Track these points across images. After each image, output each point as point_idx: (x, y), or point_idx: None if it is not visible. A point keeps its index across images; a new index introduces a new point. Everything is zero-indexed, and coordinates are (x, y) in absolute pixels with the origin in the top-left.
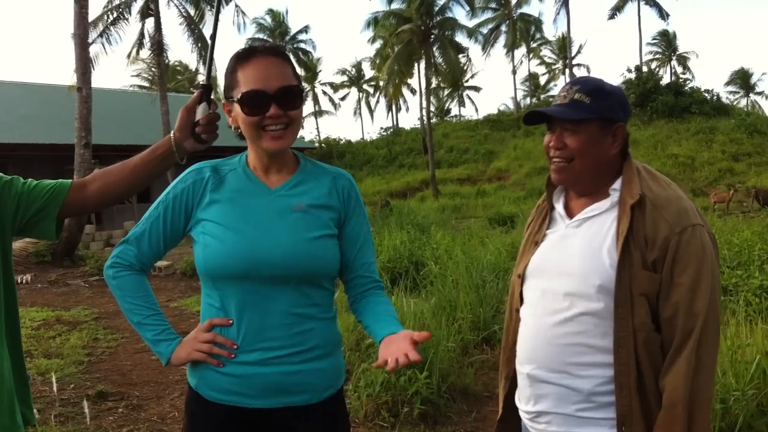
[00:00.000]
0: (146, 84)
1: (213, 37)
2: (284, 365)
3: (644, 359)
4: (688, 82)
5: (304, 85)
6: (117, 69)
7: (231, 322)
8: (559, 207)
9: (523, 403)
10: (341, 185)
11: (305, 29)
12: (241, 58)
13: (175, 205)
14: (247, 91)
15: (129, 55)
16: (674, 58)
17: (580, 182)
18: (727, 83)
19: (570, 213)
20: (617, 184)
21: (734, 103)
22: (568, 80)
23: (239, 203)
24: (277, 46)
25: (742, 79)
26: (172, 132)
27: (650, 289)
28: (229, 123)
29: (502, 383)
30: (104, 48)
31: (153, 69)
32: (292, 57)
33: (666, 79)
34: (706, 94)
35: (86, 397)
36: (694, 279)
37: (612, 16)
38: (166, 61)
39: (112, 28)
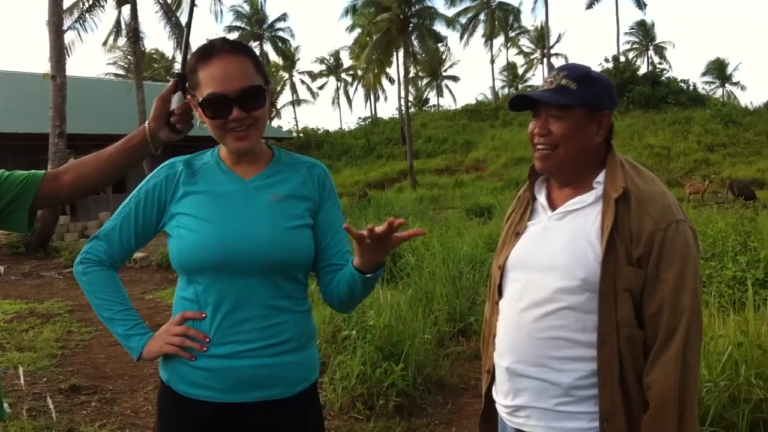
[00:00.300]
0: (122, 72)
1: (188, 25)
2: (257, 358)
3: (627, 355)
4: (664, 72)
5: (282, 74)
6: (92, 57)
7: (204, 315)
8: (541, 198)
9: (502, 397)
10: (316, 174)
11: (283, 17)
12: (201, 58)
13: (147, 200)
14: (207, 96)
15: (105, 43)
16: (651, 47)
17: (563, 170)
18: (704, 73)
19: (552, 205)
20: (601, 177)
21: (710, 94)
22: (546, 70)
23: (213, 195)
24: (237, 43)
25: (718, 70)
26: (146, 122)
27: (635, 285)
28: (196, 117)
29: (483, 377)
30: (79, 35)
31: (129, 57)
32: (269, 45)
33: (643, 69)
34: (683, 85)
35: (58, 391)
36: (679, 275)
37: (590, 6)
38: (143, 49)
39: (87, 15)
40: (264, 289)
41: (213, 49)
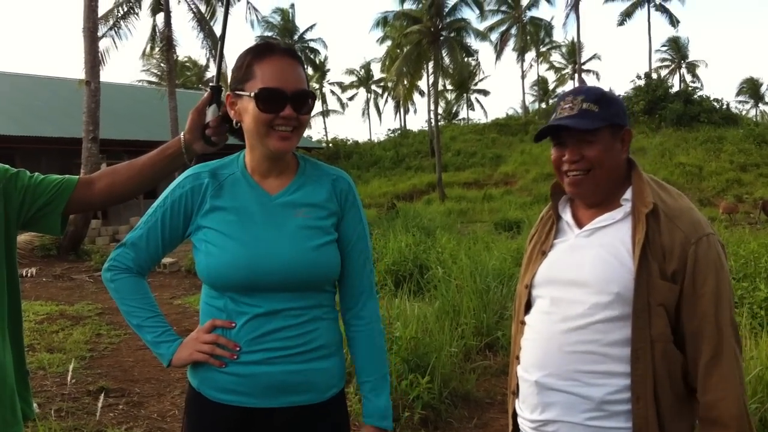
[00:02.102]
0: (155, 79)
1: (222, 38)
2: (288, 364)
3: (661, 371)
4: (697, 90)
5: (313, 85)
6: (126, 64)
7: (234, 325)
8: (567, 217)
9: (528, 411)
10: (340, 188)
11: (311, 28)
12: (258, 54)
13: (174, 211)
14: (266, 88)
15: (144, 53)
16: (684, 65)
17: (596, 193)
18: (737, 93)
19: (579, 223)
20: (628, 194)
21: (743, 113)
22: (577, 85)
23: (240, 212)
24: (293, 49)
25: (752, 89)
26: (181, 133)
27: (669, 300)
28: (231, 116)
29: (510, 398)
30: (114, 43)
31: (162, 65)
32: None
33: (675, 88)
34: (716, 103)
35: (86, 393)
36: (716, 288)
37: (621, 23)
38: (175, 57)
39: (122, 22)
40: (293, 302)
41: (273, 47)
